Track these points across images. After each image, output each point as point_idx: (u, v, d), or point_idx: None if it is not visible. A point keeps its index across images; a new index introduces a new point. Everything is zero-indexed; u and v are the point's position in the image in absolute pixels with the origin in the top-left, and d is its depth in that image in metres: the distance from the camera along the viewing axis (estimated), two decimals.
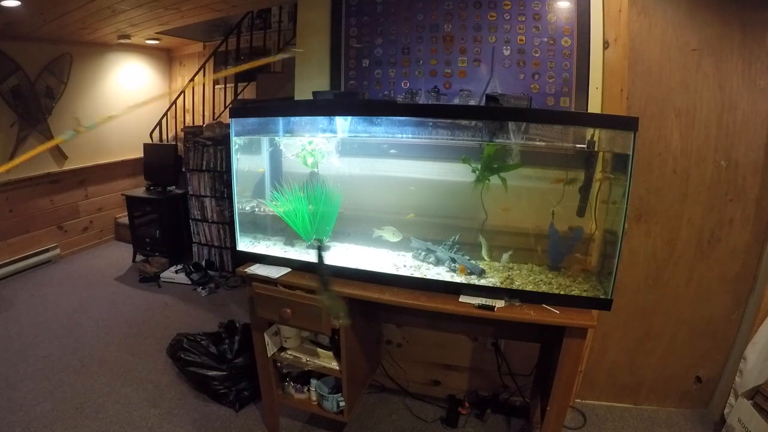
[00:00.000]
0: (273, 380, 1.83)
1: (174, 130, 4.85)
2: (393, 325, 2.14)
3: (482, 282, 1.54)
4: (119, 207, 4.54)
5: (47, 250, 3.85)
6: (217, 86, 4.87)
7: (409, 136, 1.68)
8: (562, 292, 1.48)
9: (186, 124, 4.90)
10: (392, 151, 1.77)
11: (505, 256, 1.66)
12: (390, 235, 1.74)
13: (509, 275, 1.58)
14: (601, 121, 1.60)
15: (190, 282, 3.53)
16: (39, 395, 2.14)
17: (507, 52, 1.83)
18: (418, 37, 1.92)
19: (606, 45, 1.74)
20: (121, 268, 3.84)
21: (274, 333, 1.78)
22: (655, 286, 1.97)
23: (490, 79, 1.86)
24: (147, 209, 3.95)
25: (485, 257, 1.66)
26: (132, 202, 3.97)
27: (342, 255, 1.76)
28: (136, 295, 3.35)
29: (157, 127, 4.59)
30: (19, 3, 2.78)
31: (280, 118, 1.81)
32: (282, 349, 1.81)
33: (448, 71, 1.90)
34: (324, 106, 1.71)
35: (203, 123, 4.69)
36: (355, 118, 1.71)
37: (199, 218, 3.81)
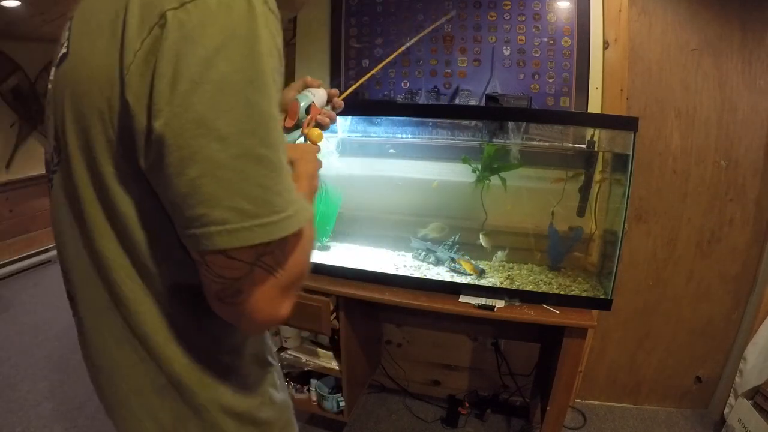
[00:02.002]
0: None
1: None
2: (393, 325, 2.14)
3: (482, 282, 1.54)
4: None
5: (47, 250, 3.85)
6: None
7: (409, 136, 1.68)
8: (562, 292, 1.48)
9: None
10: (391, 150, 1.77)
11: (500, 254, 1.65)
12: (437, 231, 1.72)
13: (509, 275, 1.59)
14: (601, 121, 1.60)
15: None
16: (39, 395, 2.14)
17: (507, 52, 1.83)
18: None
19: (606, 45, 1.74)
20: None
21: (274, 333, 1.78)
22: (655, 286, 1.97)
23: (490, 79, 1.86)
24: None
25: (483, 243, 1.65)
26: None
27: (342, 255, 1.76)
28: None
29: None
30: (19, 3, 2.78)
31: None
32: (282, 349, 1.81)
33: (448, 71, 1.90)
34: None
35: None
36: (355, 118, 1.71)
37: None
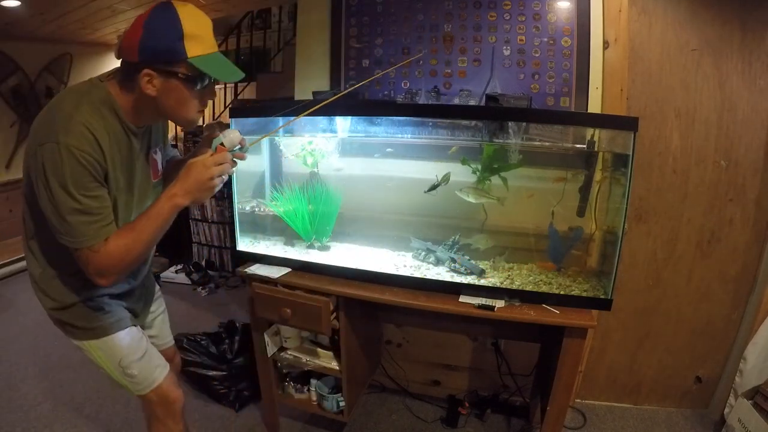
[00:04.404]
0: (273, 380, 1.83)
1: (174, 130, 4.85)
2: (393, 325, 2.14)
3: (482, 282, 1.54)
4: None
5: None
6: (216, 86, 4.86)
7: (409, 136, 1.68)
8: (562, 292, 1.48)
9: None
10: (389, 150, 1.77)
11: (500, 258, 1.65)
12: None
13: (509, 275, 1.59)
14: (601, 121, 1.60)
15: (190, 282, 3.53)
16: (39, 395, 2.14)
17: (507, 52, 1.83)
18: (418, 37, 1.92)
19: (606, 45, 1.74)
20: None
21: (274, 333, 1.78)
22: (655, 286, 1.97)
23: (490, 79, 1.86)
24: None
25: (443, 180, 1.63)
26: None
27: (342, 255, 1.76)
28: None
29: None
30: (19, 3, 2.78)
31: (281, 118, 1.81)
32: (282, 349, 1.81)
33: (448, 71, 1.90)
34: (324, 106, 1.70)
35: (203, 123, 4.69)
36: (355, 118, 1.71)
37: (199, 218, 3.81)
